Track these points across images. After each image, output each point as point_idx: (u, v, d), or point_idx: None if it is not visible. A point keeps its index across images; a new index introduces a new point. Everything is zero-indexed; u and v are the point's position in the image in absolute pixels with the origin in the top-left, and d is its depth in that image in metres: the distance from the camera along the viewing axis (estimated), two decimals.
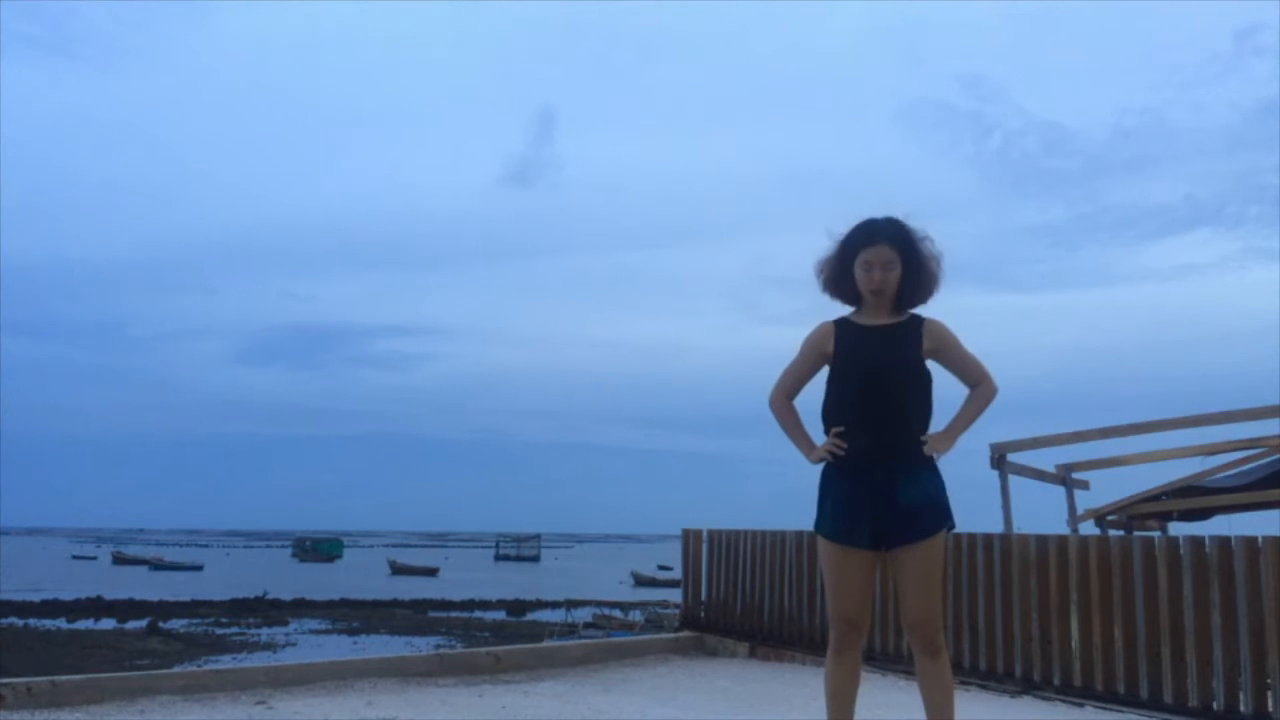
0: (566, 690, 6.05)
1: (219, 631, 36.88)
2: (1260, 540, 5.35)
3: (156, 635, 34.30)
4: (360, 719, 5.04)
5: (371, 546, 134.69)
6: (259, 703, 5.33)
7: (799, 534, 7.66)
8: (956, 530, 3.55)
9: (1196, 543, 5.61)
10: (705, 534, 8.52)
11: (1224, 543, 5.48)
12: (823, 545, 3.46)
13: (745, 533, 8.15)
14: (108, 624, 38.80)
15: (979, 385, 3.50)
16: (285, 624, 40.19)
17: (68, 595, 46.71)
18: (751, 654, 7.66)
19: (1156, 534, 10.01)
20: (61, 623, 38.70)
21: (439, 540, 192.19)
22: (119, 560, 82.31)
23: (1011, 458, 10.87)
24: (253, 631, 37.44)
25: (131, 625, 37.57)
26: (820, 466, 3.49)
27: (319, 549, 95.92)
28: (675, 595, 14.65)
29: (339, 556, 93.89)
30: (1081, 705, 5.78)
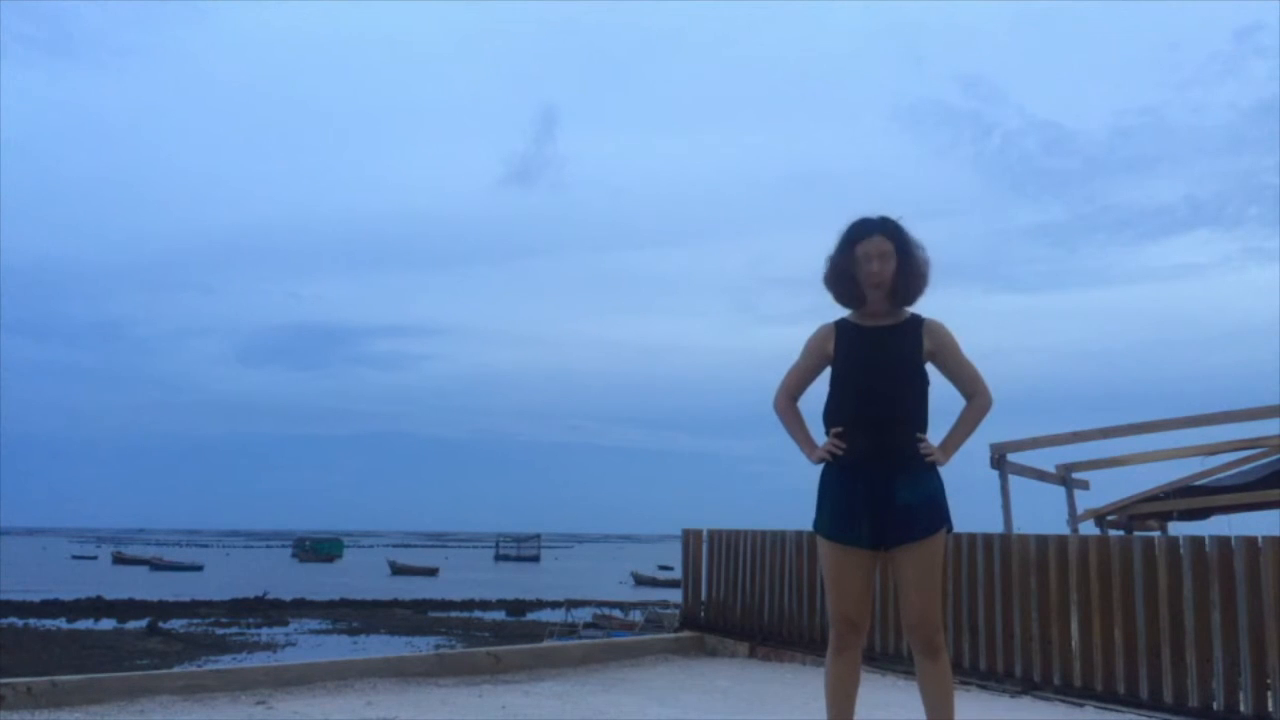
0: (566, 690, 6.05)
1: (219, 631, 36.89)
2: (1260, 540, 5.35)
3: (156, 635, 34.32)
4: (360, 719, 5.04)
5: (371, 546, 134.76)
6: (259, 703, 5.33)
7: (799, 534, 7.67)
8: (956, 530, 3.56)
9: (1196, 543, 5.60)
10: (705, 534, 8.52)
11: (1224, 543, 5.48)
12: (822, 545, 3.47)
13: (745, 533, 8.15)
14: (108, 624, 38.82)
15: (974, 398, 3.52)
16: (285, 624, 40.20)
17: (68, 595, 46.71)
18: (751, 654, 7.66)
19: (1156, 534, 10.00)
20: (61, 623, 38.73)
21: (439, 540, 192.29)
22: (119, 560, 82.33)
23: (1011, 458, 10.87)
24: (253, 631, 37.46)
25: (131, 625, 37.60)
26: (820, 466, 3.50)
27: (319, 549, 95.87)
28: (675, 595, 14.65)
29: (339, 556, 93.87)
30: (1081, 705, 5.78)
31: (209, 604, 44.99)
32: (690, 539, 8.60)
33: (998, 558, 6.48)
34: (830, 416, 3.50)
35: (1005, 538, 6.68)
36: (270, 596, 48.28)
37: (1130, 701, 5.68)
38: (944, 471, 3.45)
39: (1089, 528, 12.22)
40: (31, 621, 38.41)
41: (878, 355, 3.42)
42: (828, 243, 3.62)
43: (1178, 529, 12.12)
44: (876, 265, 3.41)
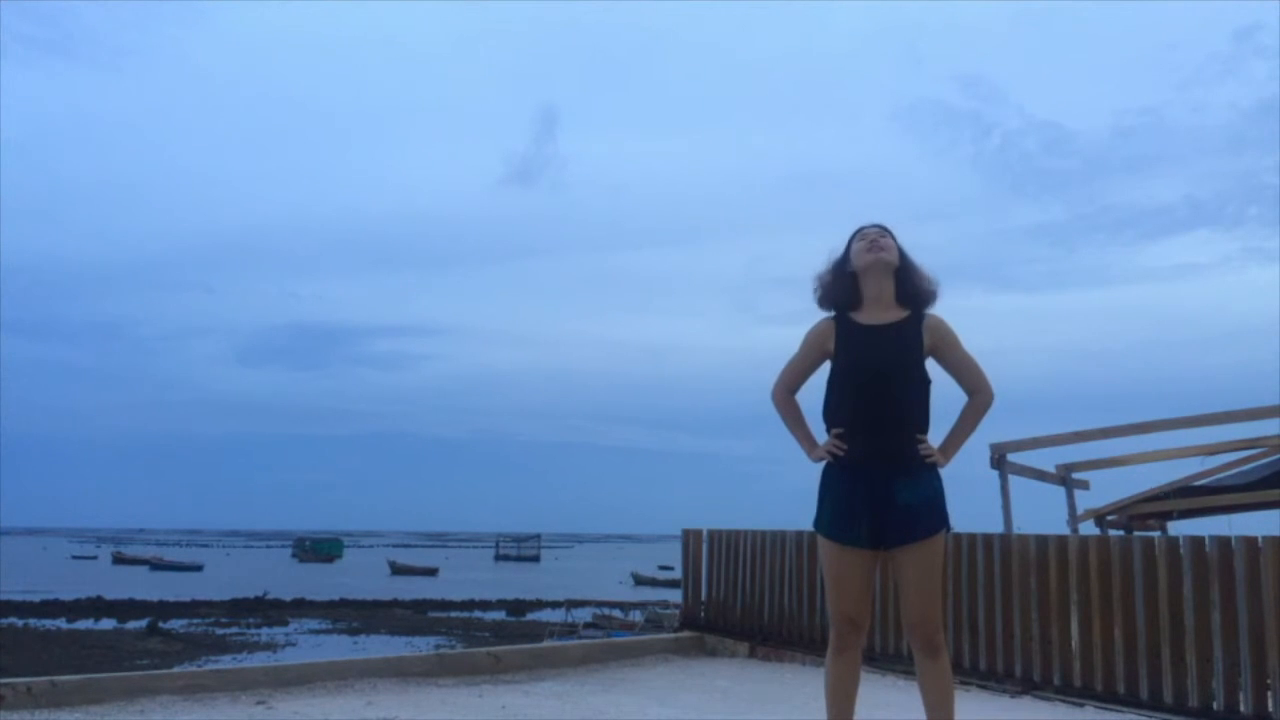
0: (566, 690, 6.05)
1: (219, 631, 36.85)
2: (1260, 540, 5.35)
3: (156, 635, 34.27)
4: (360, 719, 5.04)
5: (371, 546, 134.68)
6: (259, 703, 5.33)
7: (799, 534, 7.66)
8: (956, 530, 3.57)
9: (1196, 543, 5.60)
10: (705, 534, 8.52)
11: (1224, 543, 5.48)
12: (822, 544, 3.47)
13: (745, 533, 8.15)
14: (108, 624, 38.79)
15: (975, 394, 3.52)
16: (285, 624, 40.17)
17: (68, 595, 46.67)
18: (751, 654, 7.66)
19: (1156, 534, 10.00)
20: (61, 623, 38.69)
21: (439, 540, 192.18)
22: (119, 560, 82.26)
23: (1011, 458, 10.87)
24: (253, 631, 37.44)
25: (131, 625, 37.55)
26: (821, 465, 3.50)
27: (319, 549, 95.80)
28: (675, 595, 14.65)
29: (339, 556, 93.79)
30: (1081, 705, 5.78)
31: (209, 604, 44.95)
32: (690, 539, 8.60)
33: (998, 558, 6.48)
34: (829, 415, 3.50)
35: (1005, 538, 6.68)
36: (270, 596, 48.24)
37: (1130, 701, 5.68)
38: (944, 471, 3.45)
39: (1089, 528, 12.22)
40: (31, 621, 38.38)
41: (877, 353, 3.40)
42: (828, 243, 3.65)
43: (1178, 529, 12.12)
44: (874, 234, 3.49)
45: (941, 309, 3.54)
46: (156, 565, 76.89)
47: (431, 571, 74.63)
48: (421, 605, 48.04)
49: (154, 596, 47.68)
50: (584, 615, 31.78)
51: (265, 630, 37.95)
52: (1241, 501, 11.53)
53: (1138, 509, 12.42)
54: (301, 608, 46.20)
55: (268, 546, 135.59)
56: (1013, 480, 10.85)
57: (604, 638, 14.45)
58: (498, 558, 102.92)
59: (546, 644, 10.38)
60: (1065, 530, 11.86)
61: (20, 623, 37.54)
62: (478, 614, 45.41)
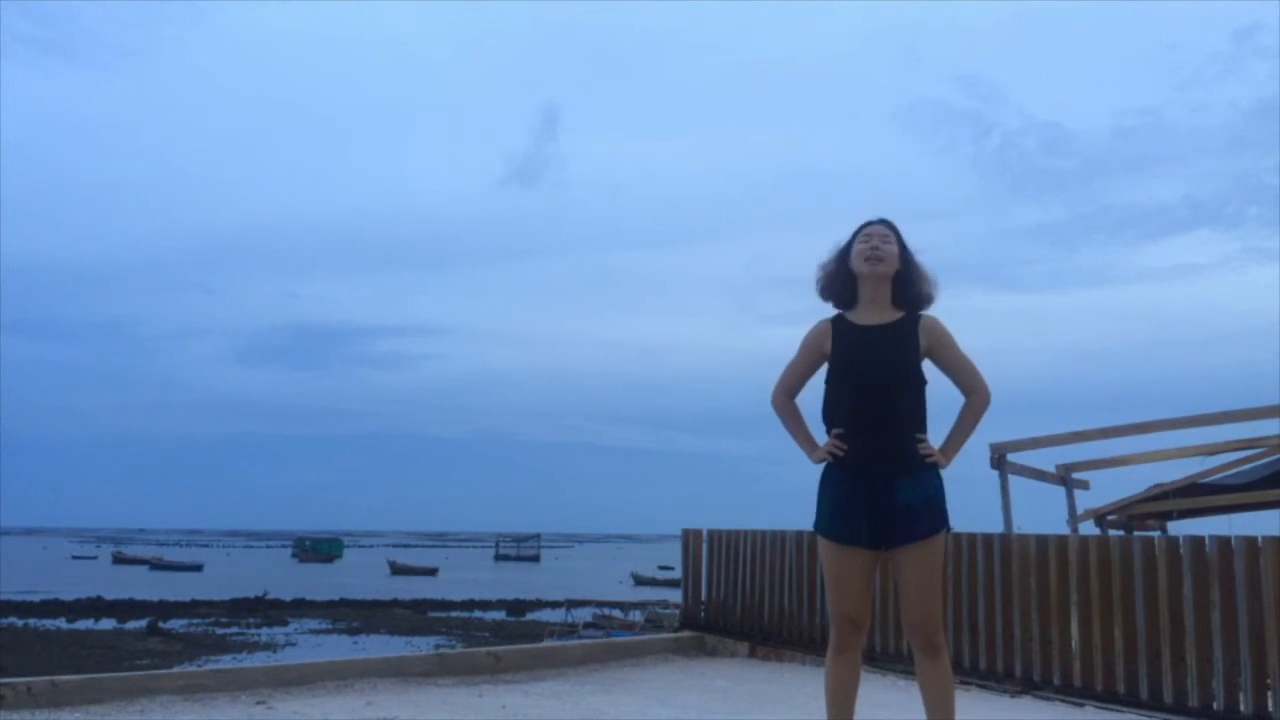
0: (566, 690, 6.05)
1: (219, 631, 36.91)
2: (1260, 540, 5.35)
3: (156, 635, 34.31)
4: (360, 719, 5.04)
5: (371, 546, 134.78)
6: (259, 703, 5.33)
7: (799, 534, 7.66)
8: (956, 530, 3.57)
9: (1196, 543, 5.60)
10: (705, 534, 8.52)
11: (1224, 543, 5.48)
12: (822, 544, 3.47)
13: (745, 533, 8.14)
14: (108, 624, 38.84)
15: (972, 395, 3.52)
16: (285, 624, 40.23)
17: (68, 595, 46.75)
18: (751, 654, 7.66)
19: (1156, 534, 10.01)
20: (61, 623, 38.76)
21: (439, 540, 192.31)
22: (119, 560, 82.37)
23: (1011, 458, 10.88)
24: (253, 631, 37.48)
25: (131, 625, 37.60)
26: (821, 466, 3.50)
27: (319, 549, 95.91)
28: (675, 595, 14.66)
29: (339, 556, 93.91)
30: (1081, 705, 5.78)
31: (209, 604, 45.02)
32: (690, 539, 8.60)
33: (998, 558, 6.48)
34: (828, 415, 3.50)
35: (1005, 538, 6.68)
36: (270, 596, 48.29)
37: (1130, 701, 5.68)
38: (944, 471, 3.45)
39: (1089, 528, 12.23)
40: (31, 621, 38.44)
41: (875, 355, 3.41)
42: (828, 243, 3.64)
43: (1178, 529, 12.13)
44: (876, 239, 3.48)
45: (941, 309, 3.54)
46: (156, 565, 76.98)
47: (431, 571, 74.71)
48: (421, 605, 48.11)
49: (154, 596, 47.73)
50: (584, 615, 31.83)
51: (265, 630, 38.00)
52: (1241, 501, 11.53)
53: (1138, 509, 12.43)
54: (301, 608, 46.26)
55: (268, 546, 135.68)
56: (1013, 480, 10.86)
57: (604, 638, 14.46)
58: (497, 558, 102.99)
59: (546, 644, 10.39)
60: (1065, 530, 11.87)
61: (20, 623, 37.60)
62: (478, 614, 45.48)
